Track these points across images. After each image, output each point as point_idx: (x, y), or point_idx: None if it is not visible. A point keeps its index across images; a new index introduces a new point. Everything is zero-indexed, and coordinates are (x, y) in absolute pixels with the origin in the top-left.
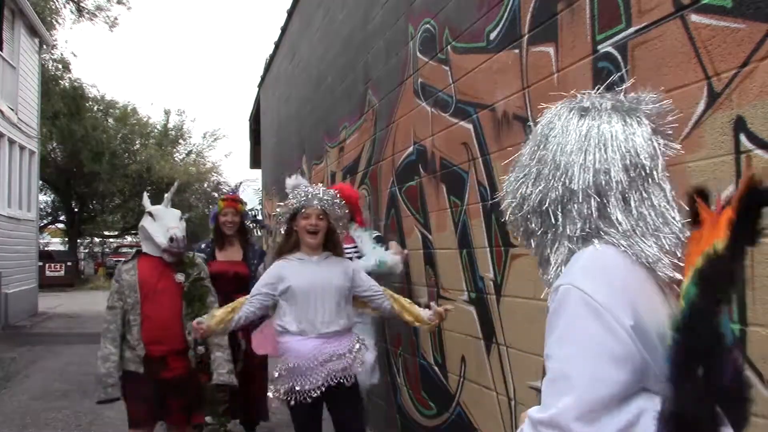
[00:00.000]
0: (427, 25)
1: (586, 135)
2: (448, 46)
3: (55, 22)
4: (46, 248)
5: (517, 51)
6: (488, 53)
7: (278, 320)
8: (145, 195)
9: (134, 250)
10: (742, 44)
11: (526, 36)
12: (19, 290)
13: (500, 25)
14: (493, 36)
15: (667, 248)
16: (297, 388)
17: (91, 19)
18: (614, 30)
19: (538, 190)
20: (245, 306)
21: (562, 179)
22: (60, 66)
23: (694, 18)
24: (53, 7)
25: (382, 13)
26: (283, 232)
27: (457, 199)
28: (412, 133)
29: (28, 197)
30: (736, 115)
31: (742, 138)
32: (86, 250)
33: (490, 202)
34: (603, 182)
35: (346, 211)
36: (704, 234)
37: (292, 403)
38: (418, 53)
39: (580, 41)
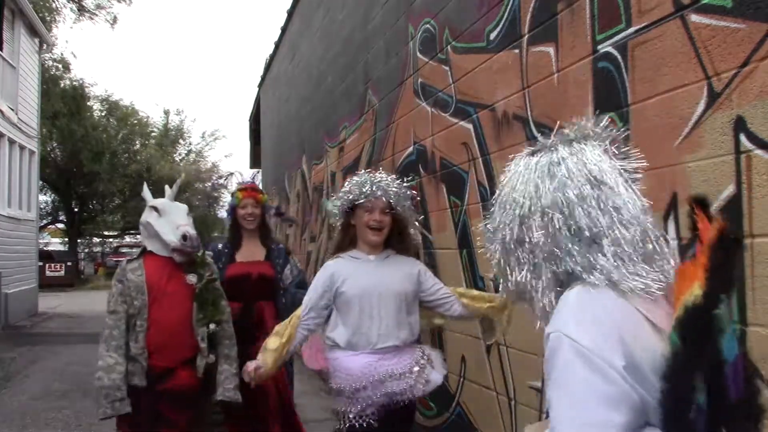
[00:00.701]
0: (427, 25)
1: (534, 167)
2: (448, 46)
3: (54, 23)
4: (46, 248)
5: (517, 51)
6: (488, 53)
7: (328, 332)
8: (146, 187)
9: (139, 248)
10: (742, 44)
11: (526, 36)
12: (19, 290)
13: (500, 25)
14: (493, 36)
15: (636, 258)
16: (350, 415)
17: (92, 18)
18: (614, 30)
19: (500, 228)
20: (299, 331)
21: (515, 211)
22: (60, 66)
23: (694, 18)
24: (53, 7)
25: (382, 13)
26: (339, 226)
27: (457, 199)
28: (412, 133)
29: (28, 197)
30: (736, 115)
31: (742, 138)
32: (86, 250)
33: (491, 202)
34: (560, 201)
35: (413, 204)
36: (689, 270)
37: (346, 426)
38: (418, 53)
39: (580, 41)
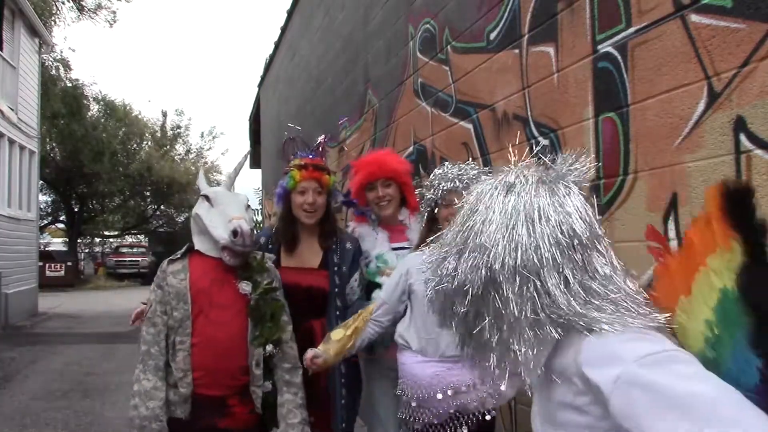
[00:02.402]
0: (427, 25)
1: (511, 212)
2: (448, 46)
3: (54, 22)
4: (46, 248)
5: (517, 51)
6: (488, 53)
7: (400, 329)
8: (201, 173)
9: (140, 248)
10: (742, 44)
11: (526, 36)
12: (19, 290)
13: (500, 25)
14: (493, 36)
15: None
16: (416, 426)
17: (92, 17)
18: (614, 30)
19: (460, 270)
20: (370, 326)
21: (487, 259)
22: (60, 66)
23: (694, 18)
24: (54, 6)
25: (382, 13)
26: (424, 221)
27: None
28: (412, 133)
29: (28, 197)
30: (736, 115)
31: (742, 138)
32: (86, 250)
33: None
34: (534, 260)
35: None
36: (673, 264)
37: None
38: (418, 53)
39: (580, 41)
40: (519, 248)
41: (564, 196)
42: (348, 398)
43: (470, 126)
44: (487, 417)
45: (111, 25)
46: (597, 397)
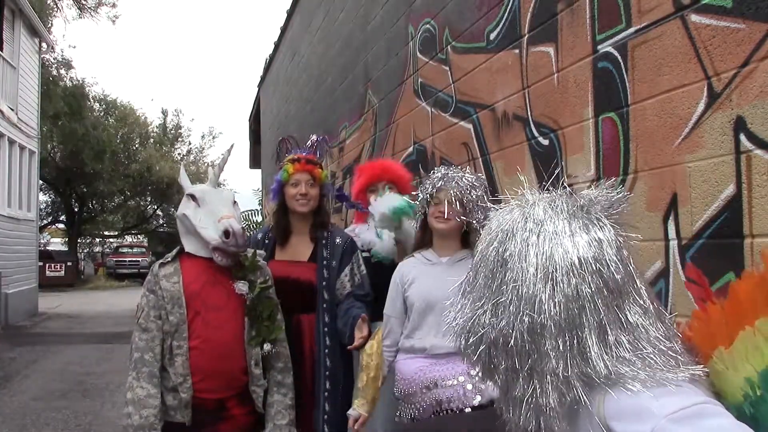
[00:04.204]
0: (427, 25)
1: (549, 258)
2: (448, 46)
3: (54, 20)
4: (46, 248)
5: (517, 51)
6: (488, 53)
7: None
8: (183, 170)
9: (141, 248)
10: (742, 44)
11: (526, 36)
12: (19, 290)
13: (500, 25)
14: (493, 36)
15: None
16: (404, 420)
17: (92, 16)
18: (614, 30)
19: (501, 323)
20: (385, 355)
21: (527, 312)
22: (61, 65)
23: (694, 18)
24: (53, 7)
25: (382, 13)
26: (417, 225)
27: None
28: (412, 133)
29: (28, 197)
30: (736, 115)
31: (742, 138)
32: (86, 250)
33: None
34: (576, 312)
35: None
36: (714, 312)
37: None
38: (418, 53)
39: (580, 41)
40: (559, 297)
41: (599, 231)
42: (332, 393)
43: (470, 126)
44: (467, 410)
45: (113, 22)
46: None
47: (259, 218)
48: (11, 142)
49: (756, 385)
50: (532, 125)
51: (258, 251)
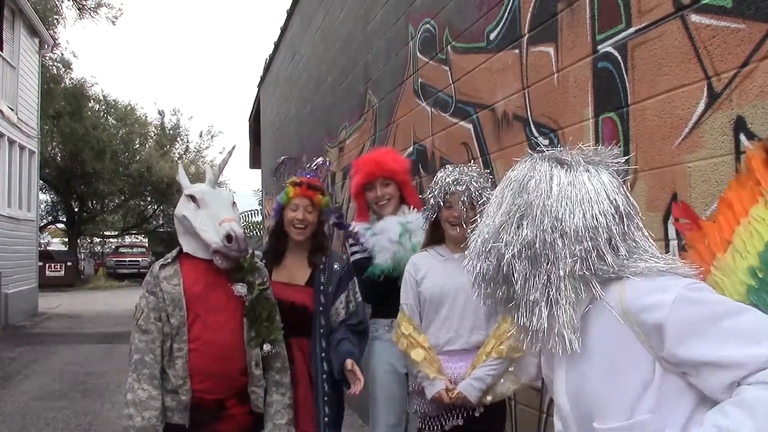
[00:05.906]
0: (427, 25)
1: (570, 184)
2: (448, 46)
3: (55, 21)
4: (46, 248)
5: (517, 51)
6: (488, 53)
7: None
8: (181, 168)
9: (141, 248)
10: (742, 44)
11: (526, 36)
12: (19, 290)
13: (500, 25)
14: (493, 36)
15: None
16: (418, 416)
17: (92, 16)
18: (614, 30)
19: (525, 233)
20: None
21: (552, 222)
22: (61, 65)
23: (694, 18)
24: (54, 10)
25: (382, 13)
26: (427, 225)
27: None
28: (412, 133)
29: (28, 197)
30: (736, 115)
31: (742, 138)
32: (86, 250)
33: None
34: (593, 226)
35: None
36: (707, 227)
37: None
38: (418, 53)
39: (580, 41)
40: (581, 210)
41: (610, 177)
42: (335, 419)
43: (470, 126)
44: (476, 414)
45: (113, 22)
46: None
47: (259, 218)
48: (11, 142)
49: (758, 270)
50: (532, 125)
51: (255, 252)
